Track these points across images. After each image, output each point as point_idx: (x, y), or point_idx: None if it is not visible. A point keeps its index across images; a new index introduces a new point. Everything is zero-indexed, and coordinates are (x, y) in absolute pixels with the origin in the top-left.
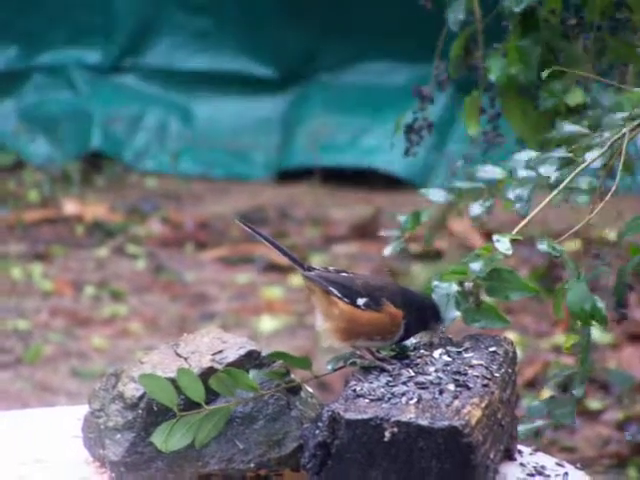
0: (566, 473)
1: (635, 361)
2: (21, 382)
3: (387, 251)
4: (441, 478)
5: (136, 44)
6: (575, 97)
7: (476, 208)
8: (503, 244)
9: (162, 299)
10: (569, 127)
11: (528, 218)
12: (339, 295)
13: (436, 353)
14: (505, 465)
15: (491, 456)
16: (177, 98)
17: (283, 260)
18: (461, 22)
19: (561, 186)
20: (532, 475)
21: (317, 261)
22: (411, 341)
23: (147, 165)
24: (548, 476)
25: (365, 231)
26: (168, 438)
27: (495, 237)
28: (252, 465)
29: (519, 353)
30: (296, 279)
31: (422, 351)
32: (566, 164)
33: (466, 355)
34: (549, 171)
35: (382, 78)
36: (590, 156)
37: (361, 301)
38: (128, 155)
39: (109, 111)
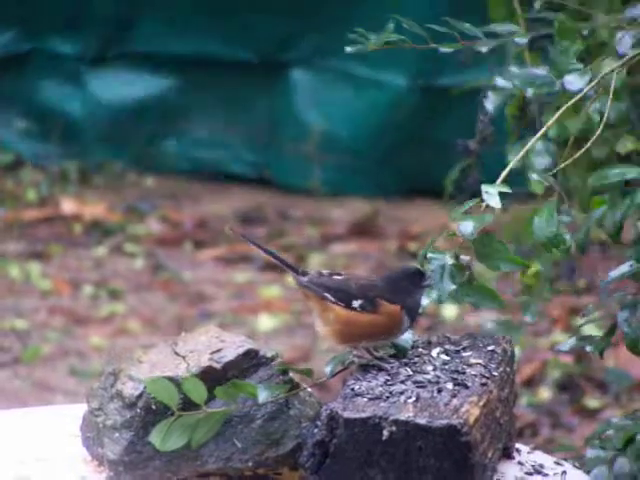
0: (564, 472)
1: (633, 360)
2: (19, 381)
3: None
4: (439, 477)
5: (117, 32)
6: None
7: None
8: (492, 196)
9: (160, 298)
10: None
11: (511, 165)
12: (334, 300)
13: (434, 352)
14: (503, 463)
15: (489, 455)
16: (162, 86)
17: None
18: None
19: (547, 125)
20: (530, 474)
21: (316, 260)
22: (409, 341)
23: (142, 162)
24: (546, 475)
25: (364, 230)
26: (165, 438)
27: (483, 188)
28: (250, 464)
29: (517, 352)
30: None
31: (420, 350)
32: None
33: (464, 354)
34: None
35: (357, 66)
36: (570, 79)
37: (356, 303)
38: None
39: (95, 104)
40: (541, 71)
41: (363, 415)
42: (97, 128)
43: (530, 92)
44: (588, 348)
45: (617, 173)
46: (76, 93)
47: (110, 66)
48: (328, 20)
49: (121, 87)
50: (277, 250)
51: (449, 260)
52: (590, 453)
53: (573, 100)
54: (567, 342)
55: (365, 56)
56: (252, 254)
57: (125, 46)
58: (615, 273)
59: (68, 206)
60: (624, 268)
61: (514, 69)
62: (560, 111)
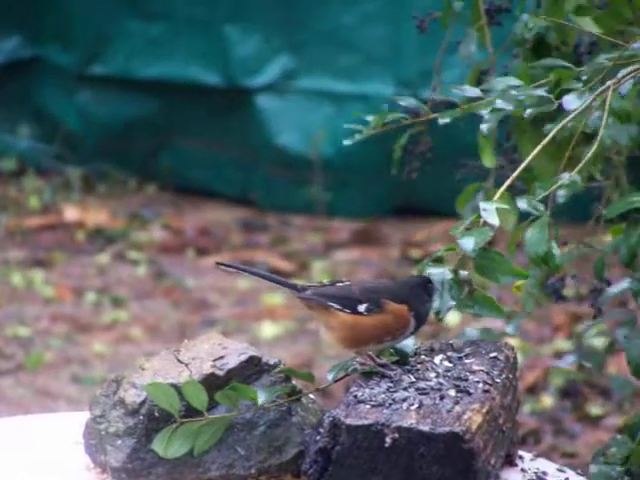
0: (567, 479)
1: None
2: (22, 388)
3: None
4: None
5: (97, 52)
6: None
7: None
8: (490, 214)
9: (163, 305)
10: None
11: (513, 177)
12: (339, 307)
13: (437, 359)
14: (506, 471)
15: (492, 462)
16: (145, 106)
17: (284, 265)
18: (472, 54)
19: (552, 134)
20: None
21: (319, 267)
22: (412, 347)
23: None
24: None
25: (366, 237)
26: (168, 445)
27: (482, 205)
28: (253, 471)
29: (520, 359)
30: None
31: (423, 357)
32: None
33: (467, 361)
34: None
35: (330, 89)
36: (568, 99)
37: (362, 307)
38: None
39: (85, 117)
40: (540, 91)
41: (366, 422)
42: (92, 140)
43: (528, 112)
44: (587, 364)
45: (635, 201)
46: (71, 104)
47: (94, 83)
48: (302, 41)
49: (105, 105)
50: (280, 257)
51: (448, 275)
52: (593, 469)
53: (567, 120)
54: (566, 358)
55: (348, 71)
56: (255, 261)
57: (105, 66)
58: (614, 289)
59: (71, 213)
60: (623, 284)
61: (514, 89)
62: (556, 129)
